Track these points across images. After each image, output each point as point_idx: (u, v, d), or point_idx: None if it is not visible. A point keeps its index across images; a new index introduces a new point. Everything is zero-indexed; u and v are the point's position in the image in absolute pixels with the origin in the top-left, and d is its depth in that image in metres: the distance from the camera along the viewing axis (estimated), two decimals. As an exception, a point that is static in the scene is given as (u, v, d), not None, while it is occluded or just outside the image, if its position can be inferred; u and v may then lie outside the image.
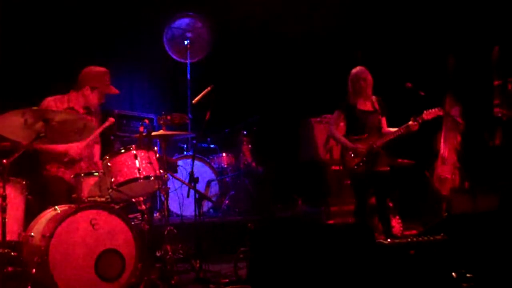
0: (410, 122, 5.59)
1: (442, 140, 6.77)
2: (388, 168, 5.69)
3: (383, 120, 5.85)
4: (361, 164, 5.60)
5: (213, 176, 7.27)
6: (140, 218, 4.67)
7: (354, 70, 5.85)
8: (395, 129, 5.69)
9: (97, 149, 5.17)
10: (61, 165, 4.80)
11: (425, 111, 5.65)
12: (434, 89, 6.08)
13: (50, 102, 4.86)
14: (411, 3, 7.81)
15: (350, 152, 5.68)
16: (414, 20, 7.80)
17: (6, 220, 3.81)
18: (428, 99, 5.79)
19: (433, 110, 5.66)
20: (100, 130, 4.99)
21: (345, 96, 5.86)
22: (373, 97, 5.83)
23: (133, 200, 4.65)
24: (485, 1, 7.16)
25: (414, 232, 6.03)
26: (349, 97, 5.82)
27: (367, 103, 5.81)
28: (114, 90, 5.05)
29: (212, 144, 7.72)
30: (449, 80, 6.88)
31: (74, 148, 4.75)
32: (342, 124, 6.10)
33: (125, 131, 6.86)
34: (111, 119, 5.05)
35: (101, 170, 4.48)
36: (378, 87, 5.96)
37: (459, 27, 7.33)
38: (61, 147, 4.72)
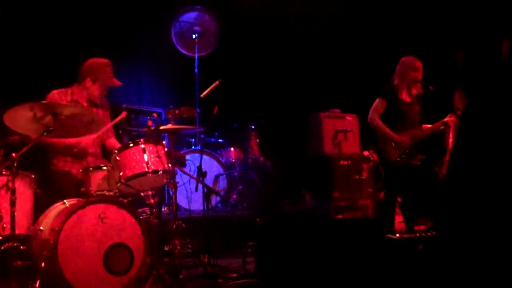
0: (447, 118, 5.56)
1: (451, 135, 6.73)
2: (419, 163, 5.64)
3: None
4: (403, 156, 5.52)
5: (221, 170, 7.28)
6: (149, 212, 4.68)
7: (405, 59, 5.74)
8: (432, 125, 5.67)
9: (114, 141, 5.18)
10: (68, 159, 4.81)
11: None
12: (443, 83, 6.05)
13: (55, 95, 4.85)
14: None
15: (393, 143, 5.62)
16: (422, 14, 7.76)
17: (15, 213, 3.83)
18: (438, 93, 5.75)
19: None
20: (113, 123, 5.00)
21: (387, 83, 5.77)
22: (419, 86, 5.73)
23: (142, 194, 4.66)
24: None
25: (422, 227, 6.01)
26: (392, 85, 5.74)
27: (409, 93, 5.75)
28: (117, 82, 5.00)
29: (220, 139, 7.73)
30: (458, 74, 6.83)
31: (85, 139, 4.74)
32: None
33: (133, 125, 6.88)
34: (124, 113, 5.04)
35: (110, 164, 4.48)
36: (386, 80, 5.94)
37: (469, 21, 7.27)
38: (71, 140, 4.71)
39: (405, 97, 5.72)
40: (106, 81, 4.95)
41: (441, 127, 5.65)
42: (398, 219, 5.94)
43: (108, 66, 4.97)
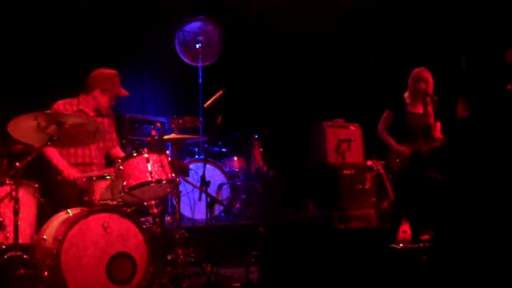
0: None
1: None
2: (433, 175, 5.61)
3: (437, 125, 5.75)
4: (402, 166, 5.54)
5: (224, 179, 7.27)
6: (152, 222, 4.67)
7: (415, 70, 5.75)
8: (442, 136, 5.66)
9: (118, 151, 5.19)
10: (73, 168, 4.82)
11: None
12: (446, 92, 6.05)
13: (60, 105, 4.88)
14: (423, 4, 7.78)
15: (394, 154, 5.63)
16: (426, 22, 7.77)
17: (19, 223, 3.83)
18: (441, 102, 5.75)
19: None
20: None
21: (397, 94, 5.79)
22: (429, 99, 5.74)
23: (145, 203, 4.65)
24: (499, 3, 7.11)
25: (426, 237, 5.98)
26: (402, 96, 5.75)
27: (420, 105, 5.73)
28: (124, 92, 5.06)
29: (223, 148, 7.73)
30: (462, 83, 6.83)
31: (70, 173, 4.67)
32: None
33: (137, 135, 6.88)
34: (154, 131, 5.01)
35: (113, 174, 4.48)
36: (390, 90, 5.95)
37: (473, 29, 7.29)
38: (62, 166, 4.69)
39: (414, 108, 5.71)
40: (114, 91, 4.99)
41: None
42: (402, 228, 5.93)
43: (117, 77, 5.03)
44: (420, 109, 5.72)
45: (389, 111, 5.77)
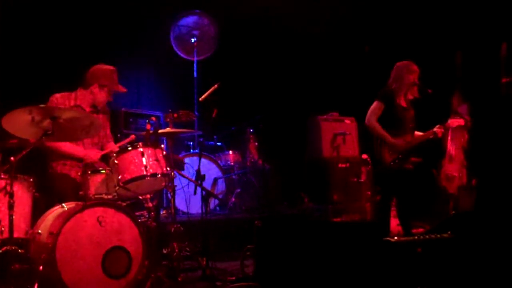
0: (436, 129, 5.59)
1: (449, 138, 6.74)
2: (412, 166, 5.63)
3: None
4: (397, 160, 5.53)
5: (219, 173, 7.28)
6: (147, 216, 4.68)
7: (401, 63, 5.71)
8: (422, 133, 5.68)
9: (112, 145, 5.18)
10: (67, 162, 4.81)
11: (450, 119, 5.67)
12: (441, 86, 6.06)
13: (58, 99, 4.88)
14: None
15: (388, 147, 5.62)
16: (422, 16, 7.78)
17: (14, 217, 3.83)
18: (436, 96, 5.76)
19: (457, 119, 5.66)
20: (120, 144, 5.04)
21: (385, 86, 5.76)
22: (412, 93, 5.73)
23: (140, 197, 4.66)
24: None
25: (421, 230, 6.01)
26: (391, 89, 5.72)
27: (405, 99, 5.73)
28: (122, 89, 5.05)
29: (218, 142, 7.73)
30: (457, 77, 6.85)
31: (91, 156, 4.76)
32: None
33: (131, 129, 6.88)
34: (132, 137, 5.06)
35: (108, 168, 4.48)
36: (385, 83, 5.94)
37: (468, 23, 7.30)
38: (79, 152, 4.76)
39: (401, 102, 5.71)
40: (112, 87, 4.99)
41: (431, 136, 5.67)
42: (396, 222, 5.95)
43: (115, 73, 5.03)
44: (404, 102, 5.72)
45: (381, 102, 5.70)
